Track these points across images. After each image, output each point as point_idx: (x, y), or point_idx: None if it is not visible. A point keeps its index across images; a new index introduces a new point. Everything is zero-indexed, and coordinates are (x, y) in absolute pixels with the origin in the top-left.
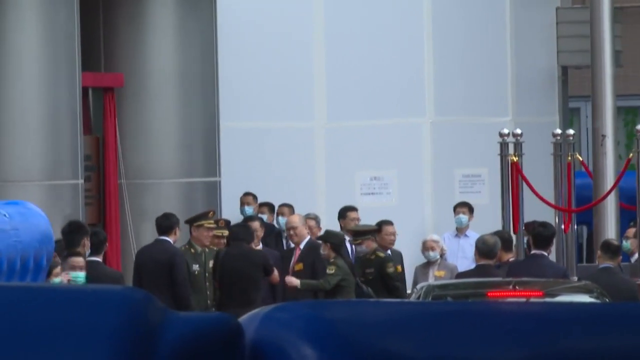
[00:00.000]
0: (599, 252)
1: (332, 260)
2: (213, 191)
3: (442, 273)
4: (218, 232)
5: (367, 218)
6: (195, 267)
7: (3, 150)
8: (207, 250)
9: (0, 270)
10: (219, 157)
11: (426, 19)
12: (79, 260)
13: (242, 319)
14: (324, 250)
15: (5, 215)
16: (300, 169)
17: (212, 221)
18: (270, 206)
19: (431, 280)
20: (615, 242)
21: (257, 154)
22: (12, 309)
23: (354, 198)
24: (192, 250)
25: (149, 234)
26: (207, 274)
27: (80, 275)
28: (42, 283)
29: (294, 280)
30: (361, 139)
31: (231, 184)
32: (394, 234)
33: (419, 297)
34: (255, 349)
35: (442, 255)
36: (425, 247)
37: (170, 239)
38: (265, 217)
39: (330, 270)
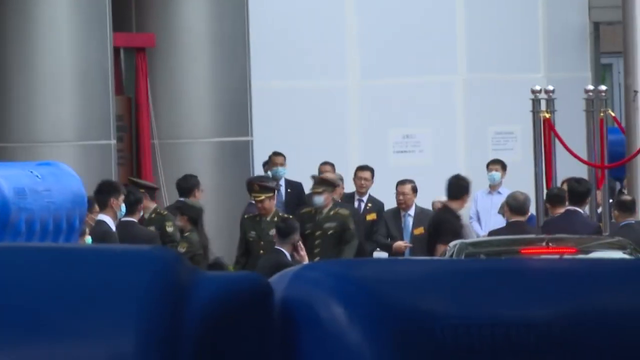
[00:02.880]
0: (615, 211)
1: (186, 234)
2: (245, 151)
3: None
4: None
5: (399, 176)
6: (252, 233)
7: (35, 112)
8: (266, 218)
9: (33, 231)
10: (251, 116)
11: None
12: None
13: (272, 278)
14: (180, 222)
15: (37, 177)
16: (333, 127)
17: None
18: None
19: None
20: (630, 198)
21: (289, 113)
22: (43, 270)
23: (386, 156)
24: (257, 218)
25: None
26: (262, 242)
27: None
28: (73, 244)
29: None
30: (393, 97)
31: (263, 144)
32: (365, 179)
33: (451, 255)
34: (284, 308)
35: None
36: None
37: (192, 200)
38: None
39: (182, 247)
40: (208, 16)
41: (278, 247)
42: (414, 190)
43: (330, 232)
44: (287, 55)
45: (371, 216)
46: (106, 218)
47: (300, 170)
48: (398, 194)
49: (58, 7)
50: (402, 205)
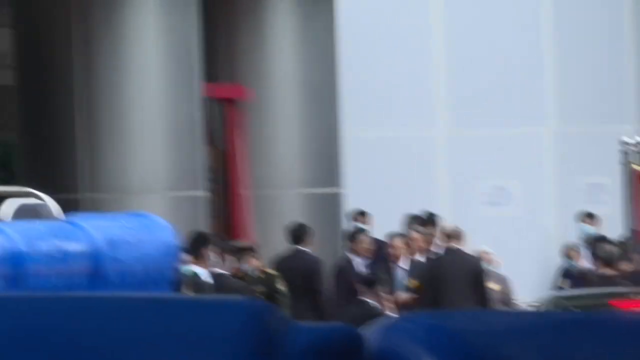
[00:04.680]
0: None
1: None
2: (334, 202)
3: (496, 286)
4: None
5: (488, 227)
6: None
7: (126, 162)
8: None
9: (125, 282)
10: (341, 167)
11: (547, 27)
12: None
13: (366, 328)
14: None
15: (129, 227)
16: (422, 177)
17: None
18: (364, 214)
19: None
20: None
21: (379, 164)
22: (135, 319)
23: (475, 207)
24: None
25: (274, 244)
26: None
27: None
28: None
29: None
30: (483, 148)
31: (353, 194)
32: (367, 242)
33: (544, 308)
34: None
35: (493, 268)
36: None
37: (307, 248)
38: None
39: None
40: (298, 66)
41: (363, 298)
42: (406, 243)
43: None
44: (377, 106)
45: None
46: (198, 269)
47: (390, 220)
48: (390, 247)
49: (149, 57)
50: (392, 258)
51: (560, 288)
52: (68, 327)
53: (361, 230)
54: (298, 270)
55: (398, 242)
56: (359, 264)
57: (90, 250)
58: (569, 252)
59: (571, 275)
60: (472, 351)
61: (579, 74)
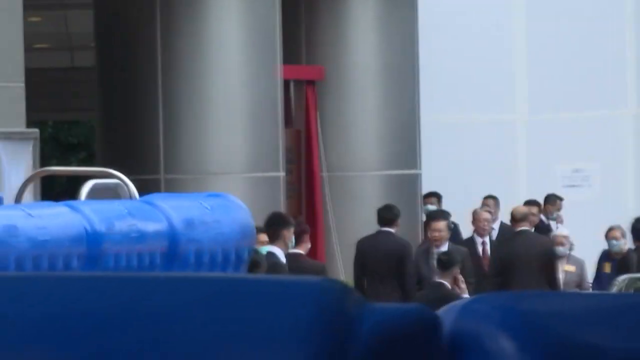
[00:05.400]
0: None
1: None
2: (413, 184)
3: (572, 268)
4: None
5: (567, 211)
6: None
7: (205, 143)
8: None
9: (202, 262)
10: (420, 149)
11: (629, 11)
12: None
13: (441, 310)
14: None
15: (207, 208)
16: (501, 161)
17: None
18: (438, 196)
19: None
20: None
21: (458, 147)
22: (211, 300)
23: (555, 190)
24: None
25: (351, 226)
26: None
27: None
28: (240, 274)
29: None
30: (563, 131)
31: (431, 177)
32: (438, 230)
33: (620, 289)
34: (453, 341)
35: (571, 249)
36: (555, 242)
37: (393, 230)
38: (434, 207)
39: None
40: (377, 49)
41: (439, 280)
42: (449, 227)
43: None
44: (456, 90)
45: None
46: (276, 250)
47: (467, 203)
48: (432, 230)
49: (229, 39)
50: (437, 242)
51: (602, 272)
52: (141, 307)
53: (443, 213)
54: (384, 253)
55: (442, 226)
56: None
57: (167, 230)
58: (610, 234)
59: (611, 258)
60: (547, 333)
61: None
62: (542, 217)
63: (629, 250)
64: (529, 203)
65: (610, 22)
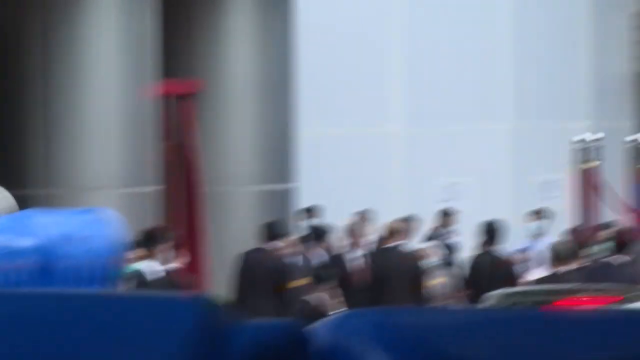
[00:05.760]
0: None
1: None
2: (288, 197)
3: (441, 280)
4: None
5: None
6: None
7: (80, 157)
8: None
9: (75, 278)
10: (295, 163)
11: (506, 25)
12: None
13: (314, 325)
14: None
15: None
16: (378, 175)
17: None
18: (317, 211)
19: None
20: None
21: (335, 161)
22: (82, 316)
23: (431, 204)
24: None
25: (228, 240)
26: None
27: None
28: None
29: None
30: (439, 145)
31: (309, 191)
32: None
33: (492, 304)
34: (325, 356)
35: (440, 262)
36: (424, 256)
37: (276, 246)
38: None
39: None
40: (254, 62)
41: (314, 295)
42: (299, 241)
43: None
44: (334, 102)
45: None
46: (152, 265)
47: (342, 217)
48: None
49: (105, 52)
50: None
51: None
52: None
53: (325, 229)
54: (267, 267)
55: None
56: (318, 258)
57: (41, 245)
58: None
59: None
60: (419, 347)
61: (534, 72)
62: (430, 231)
63: (479, 254)
64: (406, 219)
65: (487, 37)
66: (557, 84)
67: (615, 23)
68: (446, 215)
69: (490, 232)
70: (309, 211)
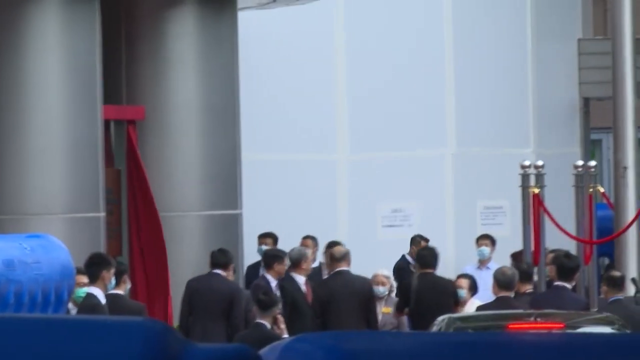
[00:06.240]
0: (604, 287)
1: None
2: (234, 224)
3: (389, 310)
4: None
5: (388, 250)
6: None
7: (24, 183)
8: None
9: (21, 303)
10: (241, 189)
11: (447, 51)
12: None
13: (263, 350)
14: None
15: (26, 249)
16: (322, 201)
17: None
18: (273, 237)
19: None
20: (618, 274)
21: (280, 187)
22: (32, 341)
23: (375, 230)
24: None
25: (174, 266)
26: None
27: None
28: (62, 315)
29: None
30: (383, 170)
31: (254, 217)
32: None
33: (440, 329)
34: None
35: (390, 291)
36: (375, 282)
37: (225, 273)
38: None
39: None
40: (198, 89)
41: (259, 321)
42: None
43: None
44: (277, 129)
45: None
46: (96, 290)
47: (289, 243)
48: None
49: (48, 79)
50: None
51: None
52: None
53: (283, 254)
54: (215, 294)
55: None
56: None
57: None
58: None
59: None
60: None
61: (478, 97)
62: (408, 257)
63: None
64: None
65: (430, 62)
66: (501, 110)
67: (560, 49)
68: (417, 242)
69: (431, 257)
70: (272, 237)
